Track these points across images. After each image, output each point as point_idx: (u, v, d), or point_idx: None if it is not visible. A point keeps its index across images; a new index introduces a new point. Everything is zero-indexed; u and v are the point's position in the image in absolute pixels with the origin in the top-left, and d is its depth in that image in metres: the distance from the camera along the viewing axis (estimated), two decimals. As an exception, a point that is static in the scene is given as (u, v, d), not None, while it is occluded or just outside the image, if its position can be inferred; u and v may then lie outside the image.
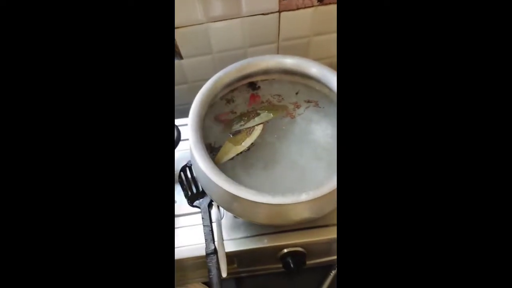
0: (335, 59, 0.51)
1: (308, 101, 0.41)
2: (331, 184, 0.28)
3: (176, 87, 0.52)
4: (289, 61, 0.38)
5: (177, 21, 0.40)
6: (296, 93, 0.41)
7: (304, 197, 0.26)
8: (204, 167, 0.29)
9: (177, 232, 0.39)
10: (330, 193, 0.27)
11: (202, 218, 0.38)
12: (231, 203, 0.29)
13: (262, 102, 0.41)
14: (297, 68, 0.38)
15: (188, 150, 0.34)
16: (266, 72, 0.40)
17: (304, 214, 0.29)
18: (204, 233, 0.36)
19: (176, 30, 0.42)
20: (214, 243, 0.35)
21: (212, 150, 0.37)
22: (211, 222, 0.37)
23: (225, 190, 0.27)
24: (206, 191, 0.33)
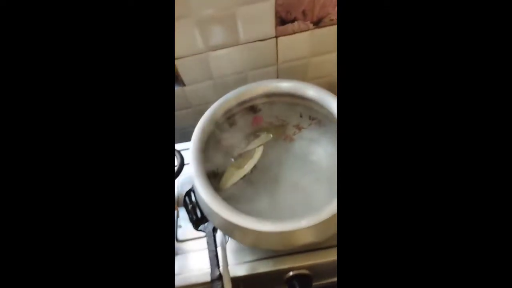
0: (333, 77, 0.52)
1: (311, 118, 0.41)
2: (331, 208, 0.28)
3: (180, 112, 0.53)
4: (286, 85, 0.38)
5: (179, 52, 0.42)
6: (301, 116, 0.41)
7: (304, 223, 0.27)
8: (204, 195, 0.29)
9: (183, 258, 0.39)
10: (331, 218, 0.27)
11: (207, 242, 0.38)
12: (233, 230, 0.29)
13: (265, 122, 0.42)
14: (294, 92, 0.38)
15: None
16: (265, 96, 0.41)
17: (305, 239, 0.29)
18: (209, 258, 0.36)
19: (178, 60, 0.44)
20: (219, 268, 0.35)
21: (215, 176, 0.37)
22: (216, 246, 0.37)
23: (225, 218, 0.28)
24: (208, 218, 0.34)
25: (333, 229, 0.30)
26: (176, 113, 0.54)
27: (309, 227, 0.27)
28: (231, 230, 0.30)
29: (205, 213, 0.33)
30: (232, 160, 0.38)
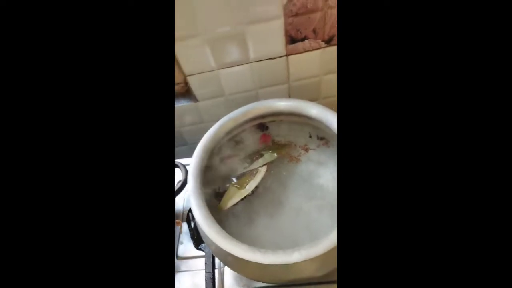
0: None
1: (320, 139, 0.39)
2: (330, 240, 0.26)
3: (192, 127, 0.54)
4: (286, 104, 0.37)
5: (191, 69, 0.43)
6: (310, 136, 0.40)
7: (296, 256, 0.25)
8: (198, 217, 0.29)
9: (181, 276, 0.38)
10: (328, 252, 0.25)
11: (205, 263, 0.37)
12: (225, 256, 0.28)
13: (271, 141, 0.41)
14: (297, 110, 0.37)
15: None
16: (272, 114, 0.40)
17: (302, 274, 0.27)
18: (205, 281, 0.35)
19: (190, 77, 0.45)
20: (214, 292, 0.34)
21: (217, 195, 0.37)
22: (213, 269, 0.36)
23: (215, 243, 0.27)
24: (205, 242, 0.33)
25: (331, 263, 0.27)
26: (189, 128, 0.55)
27: (303, 262, 0.25)
28: (223, 255, 0.29)
29: (200, 233, 0.32)
30: (234, 179, 0.38)
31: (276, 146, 0.40)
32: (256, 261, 0.25)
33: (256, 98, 0.49)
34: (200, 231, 0.31)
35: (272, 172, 0.38)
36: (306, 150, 0.39)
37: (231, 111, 0.51)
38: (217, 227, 0.28)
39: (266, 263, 0.25)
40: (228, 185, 0.37)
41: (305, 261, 0.25)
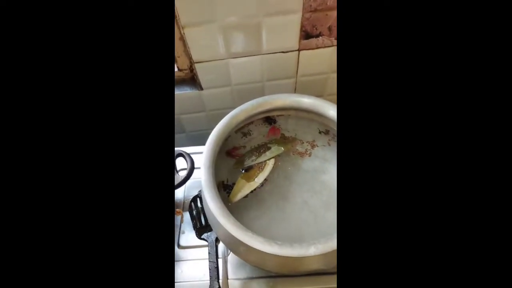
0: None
1: (328, 135, 0.40)
2: (342, 236, 0.27)
3: (193, 115, 0.53)
4: (306, 101, 0.38)
5: (200, 56, 0.42)
6: (319, 132, 0.40)
7: (312, 250, 0.26)
8: (213, 208, 0.29)
9: (183, 265, 0.38)
10: (340, 246, 0.26)
11: (209, 253, 0.37)
12: (238, 247, 0.28)
13: (282, 135, 0.41)
14: (313, 108, 0.38)
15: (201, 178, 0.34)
16: (282, 109, 0.40)
17: (312, 266, 0.28)
18: (209, 270, 0.35)
19: (198, 64, 0.43)
20: (218, 281, 0.34)
21: (225, 187, 0.37)
22: (217, 258, 0.37)
23: (232, 234, 0.27)
24: (214, 231, 0.33)
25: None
26: (190, 116, 0.53)
27: (317, 255, 0.26)
28: (236, 246, 0.29)
29: (211, 223, 0.32)
30: (242, 171, 0.38)
31: (283, 140, 0.40)
32: (273, 253, 0.26)
33: (262, 90, 0.49)
34: (212, 220, 0.31)
35: (279, 165, 0.39)
36: (313, 146, 0.40)
37: (235, 102, 0.51)
38: (232, 218, 0.28)
39: (283, 255, 0.25)
40: (236, 177, 0.37)
41: (319, 255, 0.26)
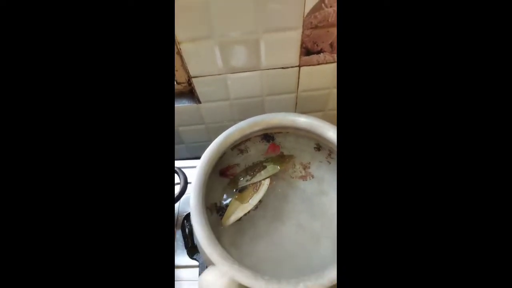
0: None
1: (326, 152, 0.39)
2: (334, 273, 0.25)
3: (191, 127, 0.52)
4: (304, 120, 0.36)
5: (198, 70, 0.41)
6: (318, 150, 0.39)
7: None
8: (200, 236, 0.28)
9: (175, 285, 0.37)
10: (333, 286, 0.25)
11: (199, 274, 0.36)
12: (225, 277, 0.27)
13: (281, 152, 0.40)
14: (311, 128, 0.36)
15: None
16: (279, 127, 0.39)
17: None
18: (199, 294, 0.34)
19: (196, 78, 0.43)
20: (207, 307, 0.33)
21: (218, 210, 0.35)
22: (207, 281, 0.35)
23: (217, 266, 0.26)
24: (202, 256, 0.32)
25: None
26: (188, 128, 0.53)
27: (306, 292, 0.24)
28: (222, 276, 0.28)
29: (199, 249, 0.31)
30: (236, 192, 0.36)
31: (279, 158, 0.39)
32: (259, 290, 0.24)
33: (261, 105, 0.47)
34: (199, 248, 0.29)
35: (275, 185, 0.37)
36: (311, 165, 0.39)
37: (234, 116, 0.49)
38: (219, 248, 0.27)
39: (270, 293, 0.24)
40: (230, 198, 0.36)
41: (309, 292, 0.24)
